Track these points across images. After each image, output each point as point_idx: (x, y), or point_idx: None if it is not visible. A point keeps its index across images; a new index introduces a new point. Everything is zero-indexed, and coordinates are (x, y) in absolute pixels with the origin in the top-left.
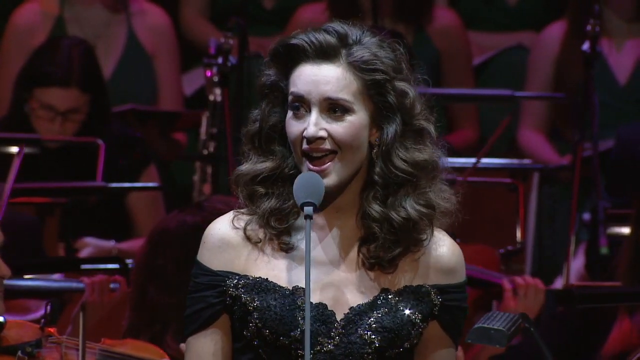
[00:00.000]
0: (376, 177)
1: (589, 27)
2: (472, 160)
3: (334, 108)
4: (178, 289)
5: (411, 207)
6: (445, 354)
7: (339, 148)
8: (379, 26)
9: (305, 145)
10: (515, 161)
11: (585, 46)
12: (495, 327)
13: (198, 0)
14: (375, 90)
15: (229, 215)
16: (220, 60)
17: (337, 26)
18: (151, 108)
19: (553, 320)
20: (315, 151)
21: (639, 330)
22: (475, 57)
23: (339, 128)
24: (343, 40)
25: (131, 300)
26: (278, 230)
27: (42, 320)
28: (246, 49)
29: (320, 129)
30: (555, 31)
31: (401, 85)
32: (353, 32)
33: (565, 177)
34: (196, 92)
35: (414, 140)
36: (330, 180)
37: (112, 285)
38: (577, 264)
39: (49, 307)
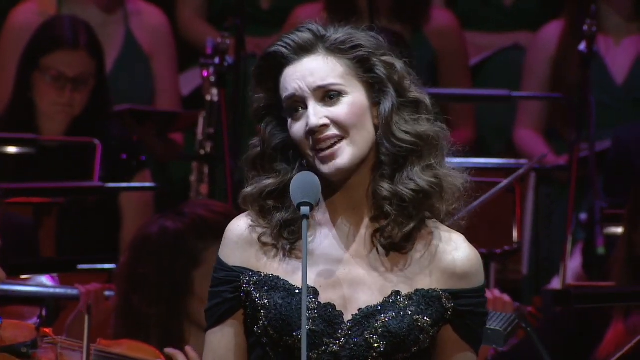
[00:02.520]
0: (383, 157)
1: (585, 27)
2: (469, 160)
3: (328, 95)
4: (160, 298)
5: (419, 177)
6: (462, 359)
7: (345, 131)
8: (379, 27)
9: (312, 140)
10: (511, 161)
11: (582, 46)
12: (492, 327)
13: (195, 0)
14: (362, 68)
15: (249, 214)
16: (217, 60)
17: (310, 25)
18: (148, 108)
19: (547, 322)
20: (323, 141)
21: (633, 333)
22: (472, 57)
23: (338, 110)
24: (317, 35)
25: (115, 309)
26: (290, 241)
27: (38, 321)
28: (243, 49)
29: (321, 117)
30: (552, 31)
31: (386, 58)
32: (327, 28)
33: (562, 177)
34: (193, 92)
35: (411, 112)
36: (342, 160)
37: (107, 293)
38: (574, 264)
39: (44, 308)
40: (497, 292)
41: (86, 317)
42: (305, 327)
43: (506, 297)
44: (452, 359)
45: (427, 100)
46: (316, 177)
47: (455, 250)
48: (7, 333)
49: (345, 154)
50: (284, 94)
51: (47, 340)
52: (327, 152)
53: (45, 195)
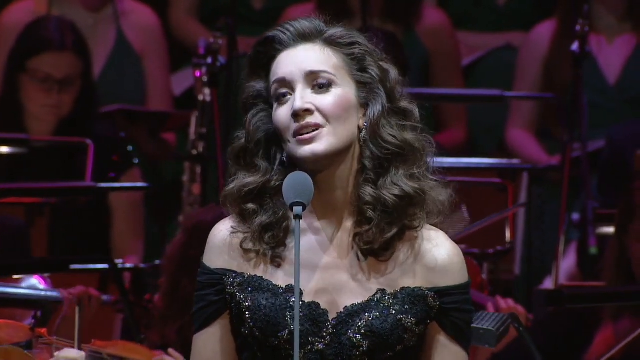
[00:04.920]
0: (366, 161)
1: (578, 27)
2: (461, 160)
3: (317, 83)
4: None
5: (403, 182)
6: (449, 356)
7: (327, 121)
8: (372, 27)
9: (294, 125)
10: (504, 161)
11: (575, 46)
12: (485, 327)
13: (187, 0)
14: (357, 66)
15: (231, 219)
16: (209, 60)
17: (311, 18)
18: (140, 108)
19: (538, 322)
20: (304, 128)
21: (622, 337)
22: (465, 57)
23: (325, 100)
24: (317, 26)
25: (163, 290)
26: (271, 246)
27: (33, 321)
28: (235, 49)
29: (307, 102)
30: (544, 31)
31: (382, 63)
32: (328, 24)
33: (555, 177)
34: (185, 92)
35: (399, 119)
36: (319, 146)
37: (105, 297)
38: (567, 263)
39: (39, 309)
40: (511, 302)
41: (77, 319)
42: (297, 326)
43: (520, 308)
44: (441, 357)
45: (417, 112)
46: (309, 178)
47: (437, 246)
48: (2, 333)
49: (324, 141)
50: (274, 77)
51: (42, 340)
52: (306, 136)
53: (37, 195)
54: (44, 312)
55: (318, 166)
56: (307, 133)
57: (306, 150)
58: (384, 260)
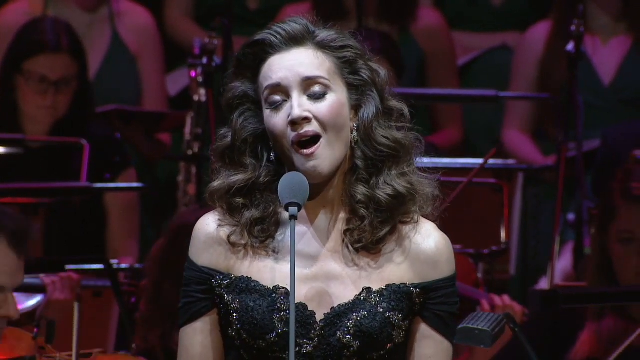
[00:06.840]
0: (358, 161)
1: (573, 27)
2: (456, 160)
3: (313, 90)
4: None
5: (396, 182)
6: (434, 348)
7: (324, 130)
8: (368, 29)
9: (292, 134)
10: (499, 161)
11: (570, 46)
12: (480, 327)
13: (182, 0)
14: (349, 69)
15: (216, 212)
16: (204, 60)
17: (300, 19)
18: (135, 108)
19: (530, 322)
20: (303, 137)
21: (606, 336)
22: (460, 57)
23: (322, 107)
24: (307, 29)
25: (146, 294)
26: (261, 239)
27: (35, 331)
28: (230, 49)
29: (305, 110)
30: (540, 31)
31: (372, 64)
32: (316, 26)
33: (550, 178)
34: (180, 92)
35: (388, 119)
36: (322, 162)
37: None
38: (562, 264)
39: (45, 325)
40: (507, 299)
41: (75, 307)
42: (293, 328)
43: (517, 306)
44: (423, 347)
45: (406, 110)
46: (305, 178)
47: (426, 237)
48: (5, 347)
49: (325, 158)
50: (267, 82)
51: (46, 355)
52: (309, 150)
53: (32, 195)
54: (49, 327)
55: (319, 180)
56: (308, 147)
57: (309, 167)
58: (374, 253)
